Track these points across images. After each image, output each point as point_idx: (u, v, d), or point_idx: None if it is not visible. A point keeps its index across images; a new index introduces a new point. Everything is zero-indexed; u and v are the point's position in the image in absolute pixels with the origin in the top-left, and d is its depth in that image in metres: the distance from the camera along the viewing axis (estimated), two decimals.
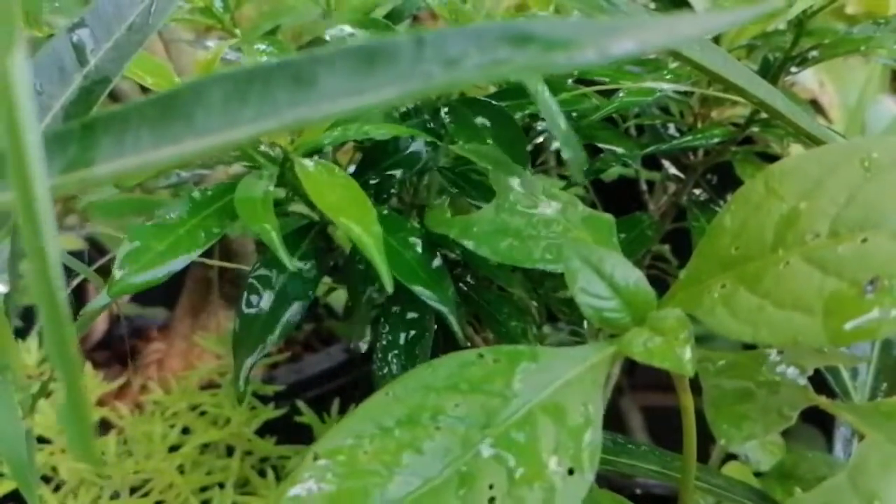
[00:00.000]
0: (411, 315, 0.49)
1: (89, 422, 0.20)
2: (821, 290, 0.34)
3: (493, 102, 0.51)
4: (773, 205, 0.37)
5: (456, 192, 0.49)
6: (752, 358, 0.43)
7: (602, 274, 0.38)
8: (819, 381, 0.46)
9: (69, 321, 0.21)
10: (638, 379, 0.92)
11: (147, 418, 0.75)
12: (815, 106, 0.92)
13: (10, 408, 0.36)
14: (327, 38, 0.50)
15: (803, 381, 0.42)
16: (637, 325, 0.38)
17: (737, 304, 0.36)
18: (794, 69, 0.57)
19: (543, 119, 0.54)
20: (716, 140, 0.57)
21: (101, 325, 0.90)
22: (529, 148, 0.54)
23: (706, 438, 0.42)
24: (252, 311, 0.47)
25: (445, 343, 0.48)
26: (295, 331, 0.58)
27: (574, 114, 0.54)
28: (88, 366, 0.80)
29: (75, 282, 0.52)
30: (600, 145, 0.56)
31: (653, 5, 0.60)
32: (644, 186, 0.65)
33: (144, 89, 0.46)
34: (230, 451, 0.73)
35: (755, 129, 0.58)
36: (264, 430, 0.74)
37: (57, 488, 0.71)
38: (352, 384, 0.81)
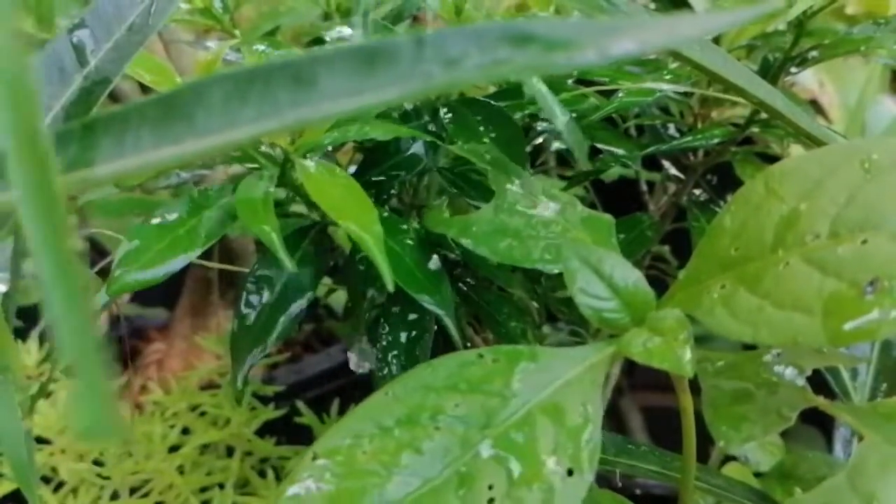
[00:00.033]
0: (411, 316, 0.49)
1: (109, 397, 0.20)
2: (820, 290, 0.34)
3: (493, 103, 0.51)
4: (773, 205, 0.37)
5: (455, 193, 0.50)
6: (751, 358, 0.43)
7: (601, 274, 0.38)
8: (819, 382, 0.46)
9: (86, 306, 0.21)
10: (637, 379, 0.92)
11: (147, 419, 0.75)
12: (815, 106, 0.92)
13: (11, 408, 0.36)
14: (327, 39, 0.50)
15: (802, 382, 0.42)
16: (636, 326, 0.38)
17: (736, 304, 0.36)
18: (794, 69, 0.57)
19: (543, 119, 0.54)
20: (716, 140, 0.57)
21: (100, 326, 0.90)
22: (529, 148, 0.54)
23: (706, 439, 0.42)
24: (251, 311, 0.47)
25: (445, 344, 0.48)
26: (295, 331, 0.58)
27: (574, 114, 0.54)
28: None
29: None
30: (600, 146, 0.56)
31: (653, 5, 0.60)
32: (644, 187, 0.65)
33: (145, 90, 0.46)
34: (230, 451, 0.73)
35: (755, 129, 0.58)
36: (264, 431, 0.74)
37: (57, 488, 0.71)
38: (351, 385, 0.81)
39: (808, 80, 0.93)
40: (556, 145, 0.60)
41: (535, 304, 0.55)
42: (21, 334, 0.80)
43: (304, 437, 0.74)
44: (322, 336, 0.90)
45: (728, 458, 0.60)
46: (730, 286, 0.37)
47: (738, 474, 0.54)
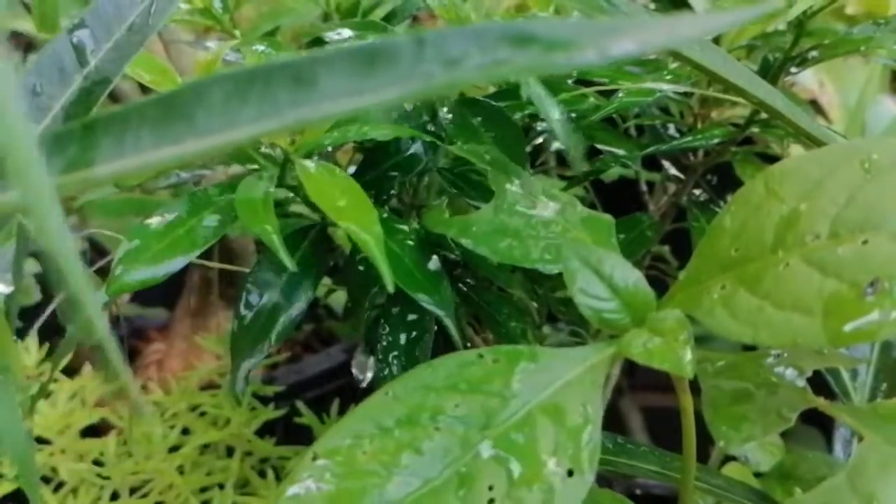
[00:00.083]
0: (411, 316, 0.49)
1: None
2: (820, 291, 0.34)
3: (492, 103, 0.51)
4: (772, 206, 0.37)
5: (455, 193, 0.50)
6: (751, 359, 0.43)
7: (601, 275, 0.38)
8: (819, 382, 0.46)
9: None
10: (638, 379, 0.92)
11: (147, 419, 0.75)
12: (815, 106, 0.92)
13: (13, 409, 0.36)
14: (326, 40, 0.50)
15: (802, 383, 0.42)
16: (636, 326, 0.38)
17: (736, 305, 0.36)
18: (793, 69, 0.57)
19: (543, 119, 0.54)
20: (716, 140, 0.57)
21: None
22: (529, 148, 0.54)
23: (706, 439, 0.42)
24: (251, 312, 0.47)
25: (446, 344, 0.48)
26: (295, 331, 0.58)
27: (574, 114, 0.54)
28: (88, 367, 0.80)
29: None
30: (600, 146, 0.56)
31: (653, 6, 0.60)
32: (644, 187, 0.65)
33: (145, 90, 0.46)
34: (230, 451, 0.73)
35: (755, 129, 0.58)
36: (264, 431, 0.74)
37: (57, 489, 0.71)
38: (351, 385, 0.81)
39: (808, 80, 0.93)
40: (555, 145, 0.60)
41: (535, 304, 0.55)
42: (20, 334, 0.80)
43: (303, 437, 0.74)
44: (322, 336, 0.90)
45: (728, 459, 0.60)
46: (730, 287, 0.37)
47: (738, 474, 0.54)
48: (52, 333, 0.71)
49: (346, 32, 0.51)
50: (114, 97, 0.69)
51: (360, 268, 0.50)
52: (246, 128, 0.24)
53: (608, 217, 0.46)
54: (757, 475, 0.55)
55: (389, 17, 0.56)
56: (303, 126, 0.39)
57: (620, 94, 0.52)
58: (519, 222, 0.44)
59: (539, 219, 0.44)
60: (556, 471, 0.33)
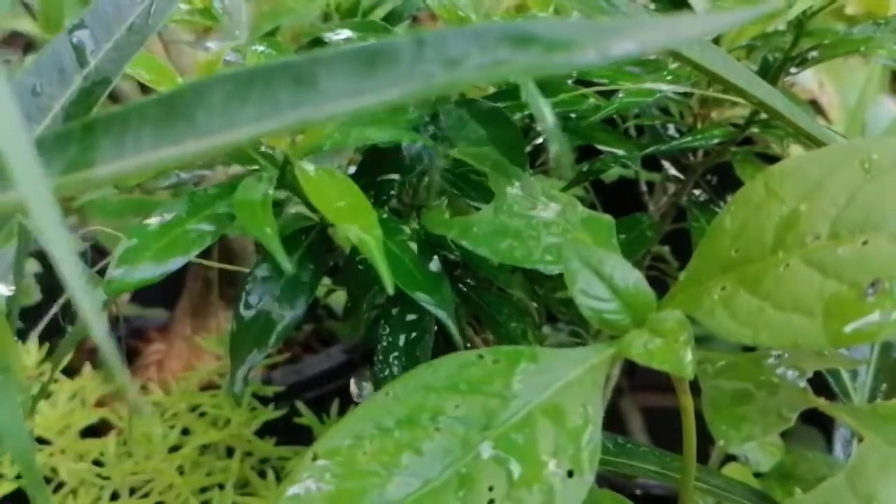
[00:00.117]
0: (411, 317, 0.49)
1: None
2: (821, 292, 0.34)
3: (492, 104, 0.51)
4: (773, 206, 0.37)
5: (455, 194, 0.49)
6: (751, 359, 0.43)
7: (602, 275, 0.38)
8: (819, 382, 0.46)
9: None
10: (638, 380, 0.92)
11: (147, 419, 0.75)
12: (815, 106, 0.92)
13: (15, 409, 0.36)
14: (326, 40, 0.50)
15: (803, 383, 0.42)
16: (637, 327, 0.38)
17: (737, 306, 0.36)
18: (793, 70, 0.57)
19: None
20: (715, 141, 0.57)
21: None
22: (529, 149, 0.54)
23: (706, 439, 0.42)
24: (250, 312, 0.47)
25: (446, 345, 0.48)
26: (294, 332, 0.58)
27: (573, 115, 0.54)
28: (88, 367, 0.80)
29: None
30: (600, 146, 0.56)
31: (652, 6, 0.60)
32: (644, 187, 0.65)
33: (145, 90, 0.46)
34: (230, 451, 0.73)
35: (755, 129, 0.58)
36: (264, 431, 0.74)
37: (57, 489, 0.71)
38: None
39: (808, 80, 0.93)
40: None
41: (535, 304, 0.55)
42: (21, 335, 0.80)
43: (303, 437, 0.74)
44: (322, 336, 0.90)
45: (728, 459, 0.60)
46: (730, 287, 0.37)
47: (738, 474, 0.54)
48: (52, 334, 0.71)
49: (346, 33, 0.51)
50: (114, 97, 0.69)
51: (360, 268, 0.50)
52: (246, 128, 0.24)
53: (608, 218, 0.46)
54: (757, 475, 0.55)
55: (389, 18, 0.56)
56: (304, 126, 0.39)
57: (620, 95, 0.52)
58: (519, 223, 0.44)
59: (539, 219, 0.44)
60: (557, 471, 0.33)
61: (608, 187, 0.76)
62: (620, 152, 0.55)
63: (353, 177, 0.49)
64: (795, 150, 0.61)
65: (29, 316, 0.64)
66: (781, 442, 0.57)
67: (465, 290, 0.53)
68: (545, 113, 0.44)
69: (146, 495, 0.70)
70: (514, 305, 0.52)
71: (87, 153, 0.26)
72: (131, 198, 0.72)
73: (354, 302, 0.53)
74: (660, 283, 0.42)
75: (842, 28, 0.57)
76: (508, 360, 0.36)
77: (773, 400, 0.41)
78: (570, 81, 0.55)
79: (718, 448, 0.60)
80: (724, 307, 0.36)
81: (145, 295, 0.88)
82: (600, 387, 0.36)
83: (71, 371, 0.79)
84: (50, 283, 0.78)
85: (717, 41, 0.56)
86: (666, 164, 0.63)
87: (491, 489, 0.33)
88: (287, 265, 0.39)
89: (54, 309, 0.58)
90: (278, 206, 0.47)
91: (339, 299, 0.82)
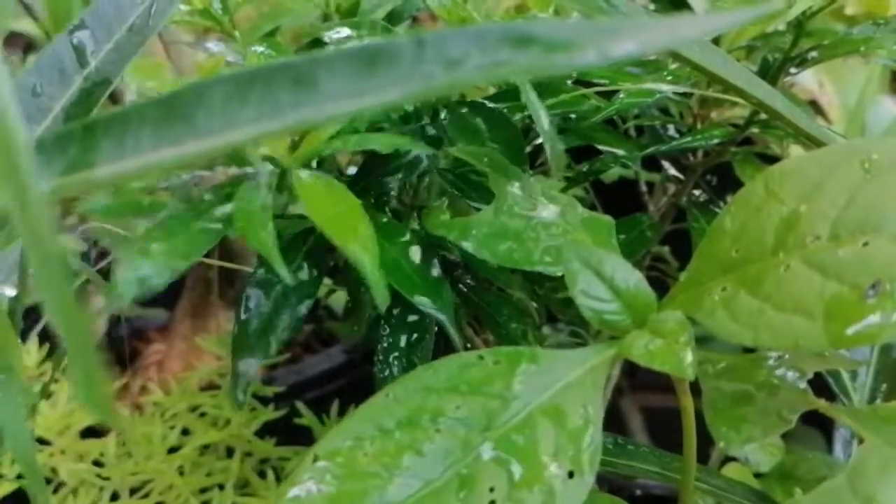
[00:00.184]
0: (412, 318, 0.49)
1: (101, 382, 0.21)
2: (821, 293, 0.34)
3: (492, 104, 0.50)
4: (773, 207, 0.37)
5: (456, 194, 0.49)
6: (751, 360, 0.43)
7: (602, 276, 0.38)
8: (819, 383, 0.46)
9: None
10: (638, 380, 0.92)
11: (147, 419, 0.75)
12: (815, 106, 0.92)
13: (17, 410, 0.36)
14: (326, 40, 0.50)
15: (803, 385, 0.42)
16: (637, 328, 0.38)
17: (737, 307, 0.36)
18: (793, 70, 0.57)
19: None
20: (715, 141, 0.57)
21: (100, 327, 0.90)
22: (528, 149, 0.54)
23: (706, 439, 0.42)
24: (251, 316, 0.47)
25: (446, 345, 0.48)
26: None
27: (574, 115, 0.54)
28: None
29: (77, 283, 0.51)
30: (600, 147, 0.56)
31: (652, 6, 0.60)
32: (644, 187, 0.65)
33: None
34: (230, 452, 0.73)
35: (755, 129, 0.58)
36: (264, 432, 0.74)
37: (57, 489, 0.70)
38: (351, 385, 0.81)
39: (807, 80, 0.93)
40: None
41: (535, 305, 0.55)
42: (21, 335, 0.80)
43: (303, 437, 0.74)
44: (322, 337, 0.90)
45: (728, 459, 0.60)
46: (731, 288, 0.37)
47: (738, 475, 0.54)
48: (52, 334, 0.71)
49: (346, 31, 0.50)
50: (113, 98, 0.69)
51: None
52: (246, 128, 0.24)
53: (608, 218, 0.46)
54: (757, 476, 0.55)
55: (390, 18, 0.56)
56: (304, 127, 0.39)
57: (621, 95, 0.52)
58: (519, 224, 0.44)
59: (539, 220, 0.44)
60: (557, 472, 0.33)
61: (608, 187, 0.76)
62: (620, 152, 0.55)
63: (354, 178, 0.49)
64: (795, 150, 0.61)
65: (29, 316, 0.64)
66: (782, 442, 0.57)
67: (465, 290, 0.53)
68: (540, 114, 0.44)
69: (146, 496, 0.70)
70: (514, 306, 0.52)
71: (87, 154, 0.26)
72: (131, 198, 0.71)
73: (355, 302, 0.53)
74: (660, 284, 0.42)
75: (842, 28, 0.57)
76: (509, 361, 0.36)
77: (773, 401, 0.41)
78: (570, 82, 0.55)
79: (718, 448, 0.60)
80: (725, 308, 0.36)
81: (145, 295, 0.88)
82: (601, 387, 0.36)
83: None
84: None
85: (716, 41, 0.56)
86: (666, 164, 0.63)
87: (492, 490, 0.33)
88: (286, 275, 0.38)
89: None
90: (279, 207, 0.47)
91: (339, 299, 0.82)
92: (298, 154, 0.43)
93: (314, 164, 0.46)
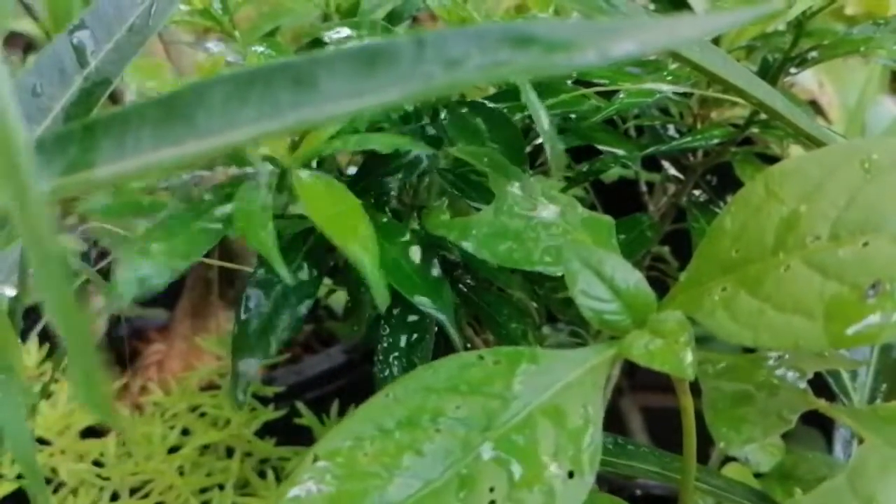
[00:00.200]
0: (412, 318, 0.49)
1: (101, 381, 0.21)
2: (821, 293, 0.34)
3: (492, 104, 0.50)
4: (773, 207, 0.37)
5: (456, 194, 0.49)
6: (751, 361, 0.43)
7: (602, 276, 0.38)
8: (819, 382, 0.46)
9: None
10: (638, 380, 0.92)
11: (147, 419, 0.75)
12: (815, 106, 0.92)
13: (18, 410, 0.36)
14: (326, 40, 0.50)
15: (803, 385, 0.42)
16: (637, 328, 0.38)
17: (737, 307, 0.36)
18: (793, 70, 0.57)
19: None
20: (715, 141, 0.57)
21: (100, 327, 0.90)
22: (529, 149, 0.54)
23: (706, 439, 0.42)
24: (251, 316, 0.47)
25: (446, 345, 0.48)
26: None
27: (574, 115, 0.54)
28: None
29: (77, 283, 0.51)
30: (600, 147, 0.56)
31: (652, 6, 0.60)
32: (644, 187, 0.65)
33: None
34: (230, 452, 0.73)
35: (755, 129, 0.58)
36: (264, 432, 0.74)
37: (56, 489, 0.70)
38: (351, 385, 0.81)
39: (807, 80, 0.93)
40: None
41: (535, 304, 0.55)
42: (21, 335, 0.80)
43: (303, 437, 0.74)
44: (322, 337, 0.90)
45: (728, 459, 0.60)
46: (731, 289, 0.37)
47: (738, 475, 0.54)
48: (52, 334, 0.71)
49: (346, 31, 0.50)
50: (113, 98, 0.69)
51: None
52: (246, 129, 0.24)
53: (608, 218, 0.46)
54: (757, 476, 0.55)
55: (390, 18, 0.56)
56: (304, 127, 0.38)
57: (621, 95, 0.52)
58: (519, 224, 0.44)
59: (539, 220, 0.44)
60: (557, 472, 0.33)
61: (608, 187, 0.76)
62: (620, 152, 0.55)
63: (354, 178, 0.49)
64: (795, 150, 0.61)
65: (29, 316, 0.64)
66: (782, 442, 0.57)
67: (465, 290, 0.53)
68: (540, 114, 0.44)
69: (146, 496, 0.70)
70: (514, 306, 0.52)
71: (87, 154, 0.26)
72: (129, 200, 0.71)
73: (355, 302, 0.53)
74: (660, 284, 0.42)
75: (841, 28, 0.57)
76: (509, 362, 0.36)
77: (773, 401, 0.41)
78: (570, 82, 0.55)
79: (718, 448, 0.60)
80: (725, 308, 0.36)
81: (145, 295, 0.88)
82: (601, 387, 0.36)
83: None
84: None
85: (716, 41, 0.56)
86: (666, 164, 0.63)
87: (492, 490, 0.33)
88: (286, 275, 0.38)
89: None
90: (279, 206, 0.47)
91: (339, 299, 0.82)
92: (298, 154, 0.43)
93: (314, 164, 0.46)
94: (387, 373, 0.48)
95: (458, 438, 0.34)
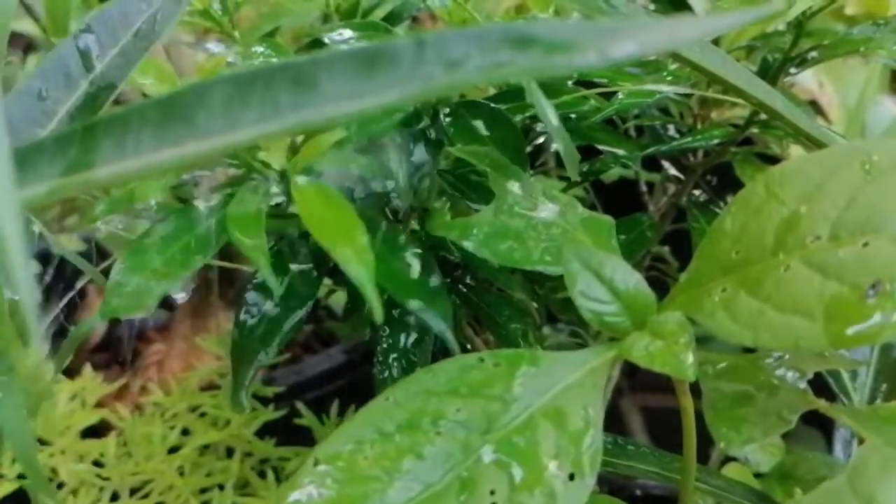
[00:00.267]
0: (411, 319, 0.49)
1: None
2: (822, 294, 0.34)
3: (492, 105, 0.50)
4: (773, 208, 0.37)
5: (456, 195, 0.49)
6: (751, 361, 0.43)
7: (602, 277, 0.38)
8: (819, 382, 0.46)
9: None
10: (638, 380, 0.92)
11: (147, 420, 0.75)
12: (815, 107, 0.92)
13: (19, 410, 0.36)
14: (327, 41, 0.50)
15: (803, 385, 0.42)
16: (637, 329, 0.38)
17: (737, 307, 0.36)
18: (793, 70, 0.57)
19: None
20: (715, 141, 0.57)
21: (100, 327, 0.90)
22: (529, 149, 0.54)
23: (706, 439, 0.42)
24: (251, 318, 0.47)
25: (446, 346, 0.48)
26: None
27: (574, 115, 0.54)
28: (88, 368, 0.80)
29: (79, 284, 0.51)
30: (600, 147, 0.56)
31: (652, 7, 0.60)
32: (644, 188, 0.65)
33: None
34: (230, 452, 0.73)
35: (755, 130, 0.58)
36: (264, 432, 0.74)
37: (56, 490, 0.70)
38: (351, 386, 0.81)
39: (807, 80, 0.93)
40: (555, 146, 0.60)
41: (535, 305, 0.55)
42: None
43: (303, 438, 0.74)
44: (322, 337, 0.90)
45: (728, 459, 0.60)
46: (731, 289, 0.37)
47: (738, 475, 0.54)
48: (52, 334, 0.71)
49: (348, 33, 0.50)
50: (118, 103, 0.69)
51: None
52: (247, 130, 0.24)
53: (608, 218, 0.46)
54: (757, 476, 0.55)
55: (389, 19, 0.56)
56: (304, 128, 0.38)
57: (621, 96, 0.52)
58: (519, 224, 0.44)
59: (539, 220, 0.44)
60: (558, 475, 0.33)
61: (608, 187, 0.76)
62: (621, 152, 0.55)
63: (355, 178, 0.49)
64: (795, 150, 0.61)
65: None
66: (782, 442, 0.57)
67: (465, 290, 0.53)
68: (549, 114, 0.44)
69: (146, 496, 0.70)
70: (514, 306, 0.52)
71: (87, 154, 0.26)
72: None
73: (354, 302, 0.53)
74: (660, 284, 0.42)
75: (841, 28, 0.57)
76: (509, 364, 0.36)
77: (773, 402, 0.41)
78: (570, 82, 0.55)
79: (718, 448, 0.60)
80: (725, 309, 0.36)
81: None
82: (601, 389, 0.36)
83: (71, 372, 0.79)
84: (50, 283, 0.78)
85: (716, 42, 0.56)
86: (666, 164, 0.63)
87: (492, 493, 0.33)
88: (274, 284, 0.38)
89: (55, 309, 0.58)
90: (278, 206, 0.46)
91: (339, 299, 0.82)
92: (297, 160, 0.43)
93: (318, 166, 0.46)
94: (386, 374, 0.48)
95: (458, 441, 0.34)
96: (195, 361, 0.84)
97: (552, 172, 0.74)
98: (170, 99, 0.25)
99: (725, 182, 0.63)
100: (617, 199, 0.65)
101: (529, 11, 0.55)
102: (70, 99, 0.38)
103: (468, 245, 0.44)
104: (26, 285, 0.20)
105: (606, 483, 0.67)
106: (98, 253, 0.75)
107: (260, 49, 0.48)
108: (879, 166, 0.36)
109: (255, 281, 0.48)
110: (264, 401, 0.76)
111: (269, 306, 0.47)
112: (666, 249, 0.74)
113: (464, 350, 0.48)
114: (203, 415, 0.75)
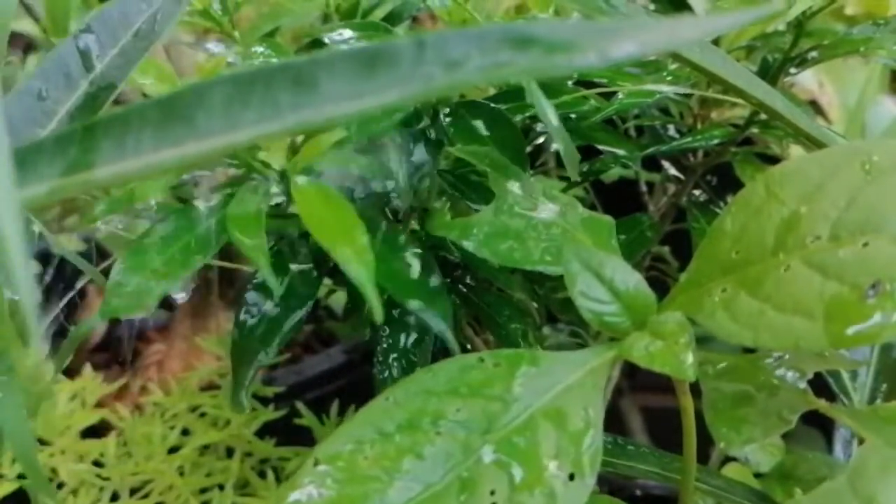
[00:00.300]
0: (411, 318, 0.49)
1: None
2: (822, 294, 0.34)
3: (492, 105, 0.50)
4: (773, 208, 0.37)
5: (456, 196, 0.49)
6: (751, 361, 0.43)
7: (602, 278, 0.38)
8: (819, 382, 0.46)
9: None
10: (638, 380, 0.92)
11: (147, 420, 0.75)
12: (815, 107, 0.92)
13: (19, 410, 0.36)
14: (327, 41, 0.50)
15: (803, 385, 0.42)
16: (637, 329, 0.38)
17: (737, 308, 0.36)
18: (793, 70, 0.57)
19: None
20: (715, 141, 0.57)
21: (100, 327, 0.90)
22: (529, 149, 0.54)
23: (706, 439, 0.42)
24: (251, 319, 0.47)
25: (446, 346, 0.48)
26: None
27: (574, 115, 0.54)
28: (88, 368, 0.80)
29: (79, 284, 0.51)
30: (600, 147, 0.56)
31: (652, 7, 0.60)
32: (644, 188, 0.65)
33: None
34: (230, 452, 0.73)
35: (755, 130, 0.58)
36: (264, 432, 0.74)
37: (57, 490, 0.70)
38: (351, 386, 0.81)
39: (807, 80, 0.93)
40: (555, 146, 0.60)
41: (535, 305, 0.55)
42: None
43: (303, 437, 0.74)
44: (322, 337, 0.90)
45: (728, 459, 0.60)
46: (731, 289, 0.37)
47: (738, 475, 0.54)
48: (52, 334, 0.71)
49: (348, 33, 0.50)
50: (118, 103, 0.69)
51: None
52: (247, 130, 0.24)
53: (608, 218, 0.46)
54: (757, 476, 0.55)
55: (389, 19, 0.56)
56: (304, 128, 0.38)
57: (620, 96, 0.52)
58: (519, 224, 0.44)
59: (539, 220, 0.44)
60: (558, 475, 0.33)
61: (608, 187, 0.76)
62: (621, 152, 0.55)
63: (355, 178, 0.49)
64: (795, 150, 0.61)
65: None
66: (782, 442, 0.57)
67: (465, 290, 0.53)
68: (549, 114, 0.44)
69: (146, 496, 0.70)
70: (514, 306, 0.52)
71: (87, 155, 0.26)
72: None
73: (354, 302, 0.53)
74: (660, 284, 0.42)
75: (841, 28, 0.57)
76: (509, 364, 0.36)
77: (773, 402, 0.41)
78: (570, 82, 0.55)
79: (718, 448, 0.60)
80: (725, 309, 0.36)
81: None
82: (601, 389, 0.36)
83: (71, 372, 0.79)
84: (50, 283, 0.78)
85: (716, 42, 0.56)
86: (666, 164, 0.63)
87: (492, 493, 0.33)
88: (274, 284, 0.38)
89: (55, 309, 0.58)
90: (279, 206, 0.46)
91: (339, 299, 0.82)
92: (299, 159, 0.43)
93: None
94: (386, 373, 0.48)
95: (458, 441, 0.34)
96: (195, 361, 0.84)
97: (552, 172, 0.74)
98: (170, 99, 0.25)
99: (725, 182, 0.63)
100: (617, 199, 0.65)
101: (529, 11, 0.55)
102: (70, 99, 0.38)
103: (468, 245, 0.44)
104: (26, 285, 0.20)
105: (606, 483, 0.67)
106: (98, 253, 0.75)
107: (260, 49, 0.48)
108: (879, 166, 0.36)
109: (255, 281, 0.48)
110: (264, 401, 0.76)
111: (269, 306, 0.47)
112: (666, 249, 0.74)
113: (464, 350, 0.48)
114: (203, 415, 0.75)
